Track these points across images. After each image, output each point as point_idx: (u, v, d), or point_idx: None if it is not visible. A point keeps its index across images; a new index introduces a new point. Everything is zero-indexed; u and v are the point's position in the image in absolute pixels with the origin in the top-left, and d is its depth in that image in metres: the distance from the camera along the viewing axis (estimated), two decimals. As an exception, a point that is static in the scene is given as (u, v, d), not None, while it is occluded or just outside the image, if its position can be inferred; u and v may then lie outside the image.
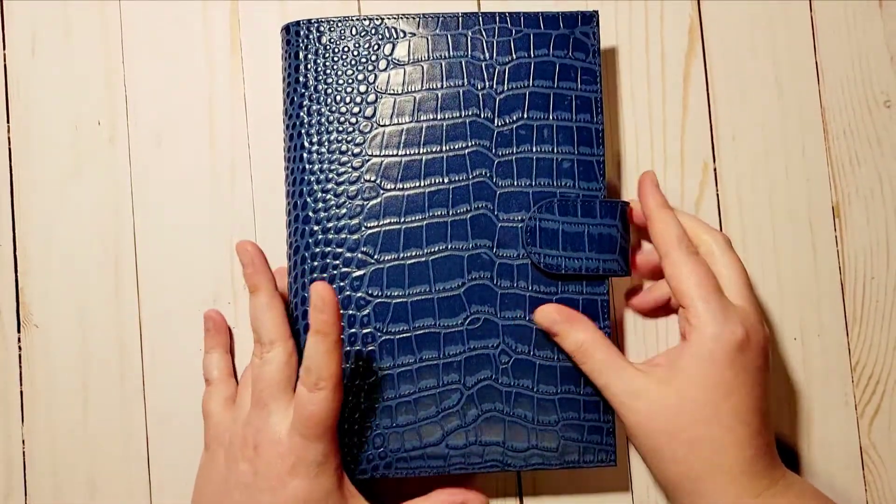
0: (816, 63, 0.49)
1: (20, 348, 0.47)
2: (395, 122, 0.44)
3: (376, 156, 0.44)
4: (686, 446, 0.39)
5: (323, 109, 0.44)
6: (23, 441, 0.47)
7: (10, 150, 0.48)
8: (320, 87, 0.44)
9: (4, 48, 0.49)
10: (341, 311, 0.43)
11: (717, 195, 0.49)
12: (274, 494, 0.40)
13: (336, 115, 0.44)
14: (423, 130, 0.44)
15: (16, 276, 0.48)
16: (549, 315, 0.43)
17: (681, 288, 0.42)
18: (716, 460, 0.39)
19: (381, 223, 0.44)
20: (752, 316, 0.41)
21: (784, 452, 0.47)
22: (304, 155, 0.44)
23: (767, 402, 0.41)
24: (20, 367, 0.47)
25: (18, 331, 0.48)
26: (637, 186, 0.46)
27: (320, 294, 0.39)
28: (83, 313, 0.48)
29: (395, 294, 0.43)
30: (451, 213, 0.44)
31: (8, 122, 0.48)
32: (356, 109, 0.44)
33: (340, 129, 0.44)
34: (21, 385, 0.47)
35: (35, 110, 0.49)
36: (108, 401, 0.47)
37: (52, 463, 0.47)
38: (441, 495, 0.43)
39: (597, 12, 0.45)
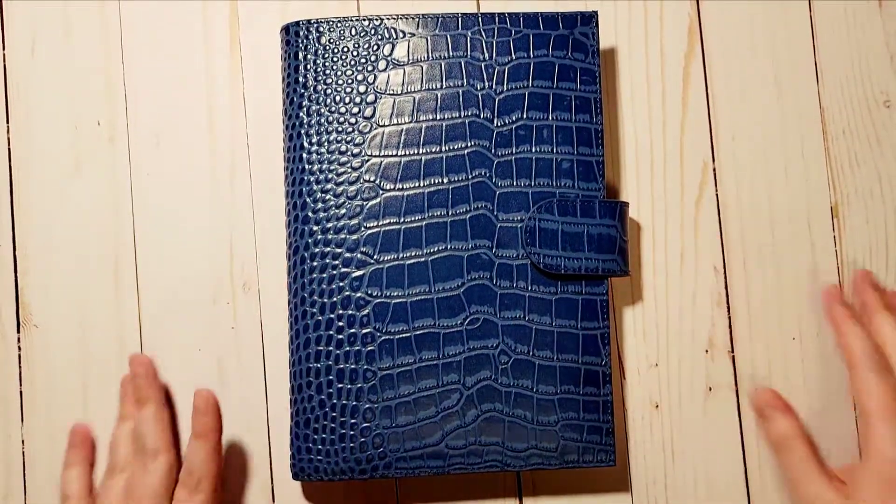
0: (816, 63, 0.49)
1: (20, 348, 0.47)
2: (395, 122, 0.44)
3: (376, 156, 0.44)
4: None
5: (322, 110, 0.44)
6: (22, 441, 0.47)
7: (9, 150, 0.48)
8: (320, 87, 0.44)
9: (4, 48, 0.49)
10: (341, 312, 0.43)
11: (717, 195, 0.49)
12: None
13: (335, 115, 0.44)
14: (423, 131, 0.44)
15: (15, 276, 0.48)
16: (765, 398, 0.45)
17: (862, 405, 0.42)
18: None
19: (380, 223, 0.44)
20: None
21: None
22: (304, 155, 0.44)
23: None
24: (20, 367, 0.47)
25: (18, 331, 0.48)
26: (823, 303, 0.47)
27: (204, 397, 0.43)
28: (83, 313, 0.48)
29: (395, 294, 0.43)
30: (450, 213, 0.44)
31: (8, 122, 0.49)
32: (355, 110, 0.44)
33: (340, 129, 0.44)
34: (21, 385, 0.47)
35: (35, 110, 0.49)
36: (108, 401, 0.47)
37: (52, 463, 0.47)
38: None
39: (596, 13, 0.45)
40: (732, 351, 0.48)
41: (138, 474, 0.43)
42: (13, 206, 0.48)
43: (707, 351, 0.48)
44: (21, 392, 0.47)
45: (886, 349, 0.44)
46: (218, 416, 0.43)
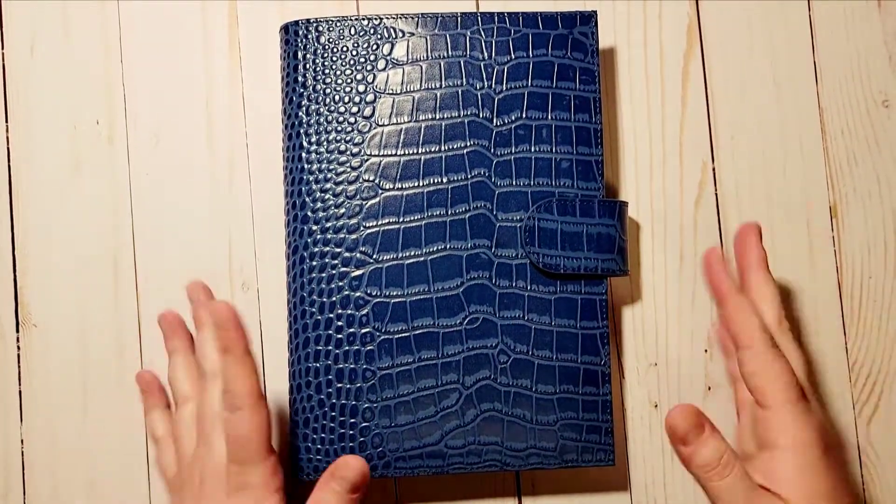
0: (815, 63, 0.49)
1: (19, 348, 0.47)
2: (394, 121, 0.44)
3: (375, 155, 0.44)
4: None
5: (322, 109, 0.44)
6: (21, 441, 0.47)
7: (8, 150, 0.48)
8: (319, 86, 0.44)
9: (4, 48, 0.49)
10: (340, 312, 0.43)
11: (716, 195, 0.49)
12: None
13: (335, 114, 0.44)
14: (422, 130, 0.44)
15: (14, 275, 0.48)
16: (691, 418, 0.39)
17: (765, 389, 0.39)
18: None
19: (379, 223, 0.44)
20: (819, 411, 0.40)
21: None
22: (303, 155, 0.44)
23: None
24: (19, 366, 0.47)
25: (17, 330, 0.48)
26: (703, 267, 0.43)
27: (219, 310, 0.40)
28: (83, 313, 0.48)
29: (394, 294, 0.43)
30: (449, 212, 0.44)
31: (7, 122, 0.49)
32: (355, 109, 0.44)
33: (339, 128, 0.44)
34: (20, 385, 0.47)
35: (34, 110, 0.49)
36: (108, 401, 0.47)
37: (51, 463, 0.47)
38: None
39: (595, 12, 0.45)
40: (731, 350, 0.48)
41: (199, 403, 0.42)
42: (13, 206, 0.48)
43: (706, 350, 0.48)
44: (20, 392, 0.47)
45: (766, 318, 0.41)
46: (237, 326, 0.40)
